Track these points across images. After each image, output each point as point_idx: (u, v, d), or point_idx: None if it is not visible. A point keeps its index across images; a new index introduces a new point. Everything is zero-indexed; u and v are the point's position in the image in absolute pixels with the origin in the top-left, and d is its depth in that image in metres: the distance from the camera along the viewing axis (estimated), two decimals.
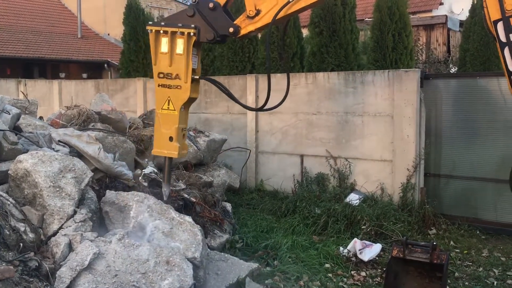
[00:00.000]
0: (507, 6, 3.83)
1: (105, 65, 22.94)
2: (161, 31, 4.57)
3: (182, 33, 4.50)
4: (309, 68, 10.05)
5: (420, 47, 15.46)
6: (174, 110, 4.66)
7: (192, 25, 4.49)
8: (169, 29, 4.54)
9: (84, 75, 22.12)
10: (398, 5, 9.63)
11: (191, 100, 4.74)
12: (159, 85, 4.68)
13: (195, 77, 4.68)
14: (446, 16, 17.87)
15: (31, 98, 7.89)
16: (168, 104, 4.66)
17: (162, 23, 4.60)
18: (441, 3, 23.85)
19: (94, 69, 23.33)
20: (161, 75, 4.65)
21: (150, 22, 4.71)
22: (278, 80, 7.88)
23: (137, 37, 13.09)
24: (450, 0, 24.65)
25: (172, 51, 4.56)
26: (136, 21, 13.19)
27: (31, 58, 21.09)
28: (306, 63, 10.28)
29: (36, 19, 25.17)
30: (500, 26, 3.90)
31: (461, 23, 15.78)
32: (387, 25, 9.61)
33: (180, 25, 4.52)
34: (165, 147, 4.73)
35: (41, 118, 7.48)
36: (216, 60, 11.56)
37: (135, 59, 13.14)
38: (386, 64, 9.62)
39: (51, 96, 13.10)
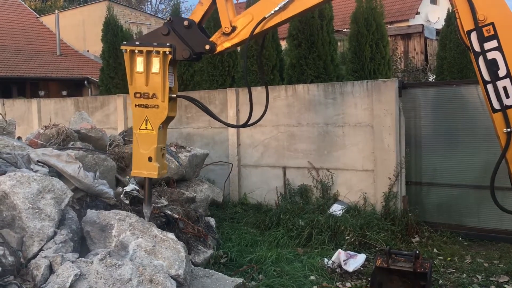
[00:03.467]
0: (480, 17, 3.91)
1: (85, 82, 22.82)
2: (136, 51, 4.55)
3: (158, 52, 4.49)
4: (288, 80, 10.10)
5: (399, 56, 15.66)
6: (152, 129, 4.62)
7: (168, 44, 4.48)
8: (144, 49, 4.52)
9: (64, 93, 21.96)
10: (374, 16, 9.76)
11: (169, 119, 4.71)
12: (136, 105, 4.65)
13: (173, 95, 4.66)
14: (422, 25, 18.12)
15: (9, 118, 7.81)
16: (146, 124, 4.63)
17: (137, 43, 4.58)
18: (418, 13, 24.27)
19: (74, 87, 23.18)
20: (138, 95, 4.62)
21: (124, 42, 4.70)
22: (259, 93, 7.91)
23: (116, 54, 13.04)
24: (426, 10, 25.11)
25: (148, 70, 4.54)
26: (114, 37, 13.16)
27: (9, 77, 20.89)
28: (285, 75, 10.32)
29: (14, 38, 24.98)
30: (473, 36, 3.97)
31: (438, 32, 16.02)
32: (364, 36, 9.72)
33: (155, 44, 4.50)
34: (144, 167, 4.69)
35: (19, 138, 7.38)
36: (196, 74, 11.56)
37: (115, 76, 13.09)
38: (364, 74, 9.71)
39: (30, 115, 12.97)
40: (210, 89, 10.43)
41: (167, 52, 4.48)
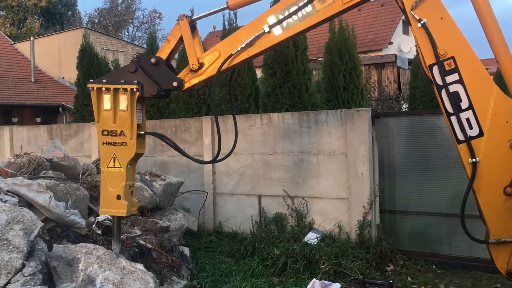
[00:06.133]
0: (440, 51, 4.03)
1: (60, 109, 22.58)
2: (103, 88, 4.52)
3: (125, 89, 4.46)
4: (264, 108, 10.16)
5: (372, 85, 15.93)
6: (121, 167, 4.57)
7: (135, 81, 4.47)
8: (111, 86, 4.49)
9: (38, 120, 21.69)
10: (347, 47, 9.93)
11: (137, 156, 4.67)
12: (103, 143, 4.60)
13: (141, 132, 4.63)
14: (395, 55, 18.54)
15: None
16: (114, 162, 4.57)
17: (104, 80, 4.55)
18: (391, 43, 24.84)
19: (48, 114, 22.90)
20: (105, 133, 4.57)
21: (91, 80, 4.65)
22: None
23: None
24: (399, 40, 25.71)
25: (115, 107, 4.51)
26: (90, 65, 13.11)
27: None
28: (261, 104, 10.39)
29: None
30: (435, 69, 4.08)
31: (410, 61, 16.39)
32: (337, 66, 9.87)
33: (122, 81, 4.48)
34: (113, 206, 4.61)
35: None
36: (171, 102, 11.56)
37: (90, 103, 12.97)
38: (338, 103, 9.83)
39: (2, 143, 12.75)
40: (185, 117, 10.43)
41: (135, 89, 4.46)
